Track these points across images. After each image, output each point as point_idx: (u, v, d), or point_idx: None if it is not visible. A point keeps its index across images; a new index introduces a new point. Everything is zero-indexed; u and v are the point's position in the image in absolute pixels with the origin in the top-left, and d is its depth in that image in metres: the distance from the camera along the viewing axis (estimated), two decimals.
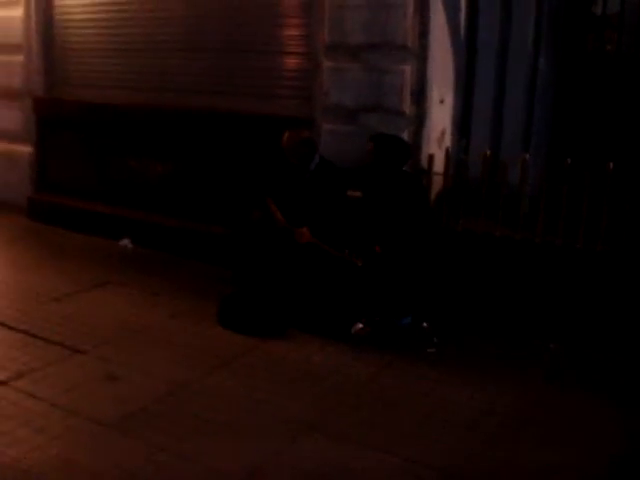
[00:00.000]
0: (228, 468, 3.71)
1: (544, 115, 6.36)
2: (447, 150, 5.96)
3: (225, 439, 3.97)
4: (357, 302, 5.37)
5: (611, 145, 5.97)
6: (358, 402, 4.44)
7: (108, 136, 7.96)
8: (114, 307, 5.87)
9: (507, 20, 6.30)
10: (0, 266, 6.93)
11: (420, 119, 6.05)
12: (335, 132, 6.35)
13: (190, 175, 7.37)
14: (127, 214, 7.76)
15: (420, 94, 6.02)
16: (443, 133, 6.30)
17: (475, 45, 6.43)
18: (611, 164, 5.28)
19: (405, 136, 5.91)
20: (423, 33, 5.93)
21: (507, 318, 5.48)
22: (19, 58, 8.56)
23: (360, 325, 5.32)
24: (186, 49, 7.40)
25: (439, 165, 5.88)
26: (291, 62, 6.81)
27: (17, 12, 8.47)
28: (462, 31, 6.39)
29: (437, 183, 5.93)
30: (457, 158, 6.01)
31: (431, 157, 5.88)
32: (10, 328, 5.34)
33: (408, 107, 6.03)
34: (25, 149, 8.69)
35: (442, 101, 6.24)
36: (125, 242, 7.59)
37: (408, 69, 6.00)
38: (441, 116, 6.26)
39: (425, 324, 5.39)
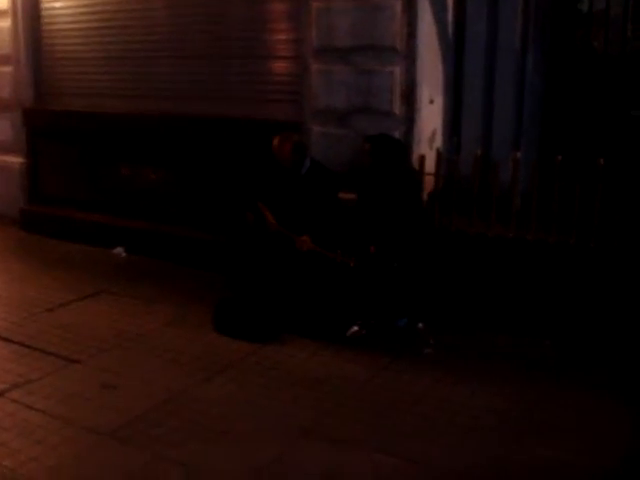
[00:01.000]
0: (230, 473, 3.71)
1: (534, 112, 6.37)
2: (438, 150, 5.97)
3: (225, 445, 3.96)
4: (352, 304, 5.36)
5: (601, 141, 5.98)
6: (357, 404, 4.43)
7: (99, 145, 7.95)
8: (109, 316, 5.85)
9: (494, 19, 6.31)
10: None
11: (410, 120, 6.06)
12: (325, 135, 6.35)
13: (182, 182, 7.37)
14: (120, 222, 7.74)
15: (410, 95, 6.02)
16: (434, 133, 6.31)
17: (463, 45, 6.44)
18: (602, 160, 5.29)
19: (396, 137, 5.90)
20: (411, 34, 5.94)
21: (502, 317, 5.48)
22: (8, 69, 8.54)
23: (356, 327, 5.32)
24: (174, 56, 7.40)
25: (430, 165, 5.89)
26: (280, 66, 6.81)
27: (5, 23, 8.45)
28: (450, 31, 6.42)
29: (429, 183, 5.94)
30: (448, 158, 6.01)
31: (422, 157, 5.89)
32: (5, 339, 5.33)
33: (398, 108, 6.04)
34: (16, 160, 8.66)
35: (432, 101, 6.25)
36: (119, 250, 7.58)
37: (397, 70, 6.01)
38: (431, 116, 6.27)
39: (421, 325, 5.39)
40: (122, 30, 7.72)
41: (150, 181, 7.61)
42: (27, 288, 6.52)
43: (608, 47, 6.30)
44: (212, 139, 7.07)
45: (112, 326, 5.63)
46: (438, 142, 6.32)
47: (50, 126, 8.35)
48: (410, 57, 5.98)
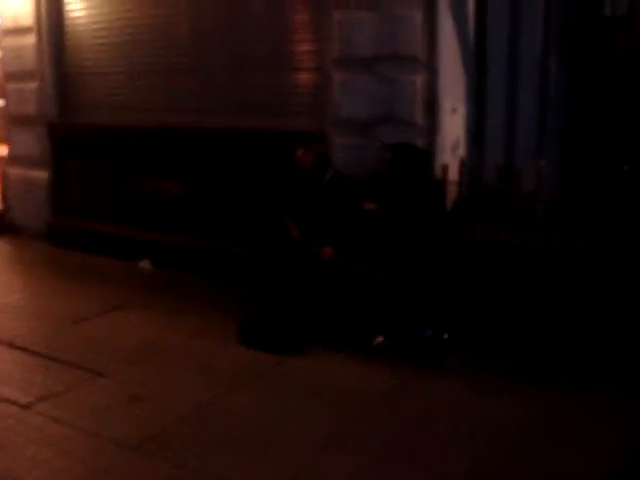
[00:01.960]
0: None
1: (557, 120, 6.34)
2: (461, 159, 5.95)
3: (251, 457, 3.96)
4: (377, 315, 5.34)
5: (625, 147, 5.94)
6: (382, 415, 4.41)
7: (123, 158, 8.01)
8: (134, 328, 5.88)
9: (516, 27, 6.29)
10: (21, 291, 6.98)
11: (433, 129, 6.04)
12: (348, 145, 6.35)
13: (206, 194, 7.40)
14: (145, 235, 7.79)
15: (432, 104, 6.00)
16: (456, 142, 6.28)
17: (485, 53, 6.42)
18: (627, 167, 5.25)
19: (419, 146, 5.88)
20: (432, 44, 5.93)
21: (527, 325, 5.43)
22: (33, 85, 8.64)
23: (380, 338, 5.29)
24: (197, 69, 7.45)
25: (453, 174, 5.88)
26: (302, 77, 6.82)
27: (30, 39, 8.56)
28: (471, 40, 6.39)
29: (452, 192, 5.92)
30: (471, 167, 5.99)
31: (445, 167, 5.88)
32: (31, 352, 5.37)
33: (420, 117, 6.03)
34: (42, 174, 8.75)
35: (454, 110, 6.22)
36: (144, 263, 7.62)
37: (419, 79, 6.00)
38: (454, 125, 6.24)
39: (446, 335, 5.36)
40: (145, 44, 7.79)
41: (174, 194, 7.64)
42: (53, 301, 6.57)
43: (631, 52, 6.27)
44: (235, 151, 7.09)
45: (138, 338, 5.65)
46: (461, 151, 6.29)
47: (75, 140, 8.44)
48: (432, 66, 5.97)
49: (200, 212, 7.45)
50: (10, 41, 8.77)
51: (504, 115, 6.38)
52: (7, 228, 9.08)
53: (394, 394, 4.70)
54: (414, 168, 5.46)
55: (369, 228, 5.60)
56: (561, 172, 5.55)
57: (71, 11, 8.36)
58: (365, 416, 4.40)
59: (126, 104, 8.03)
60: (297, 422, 4.32)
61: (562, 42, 6.26)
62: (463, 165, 5.88)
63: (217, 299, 6.55)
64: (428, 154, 5.84)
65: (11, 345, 5.51)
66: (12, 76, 8.85)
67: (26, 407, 4.49)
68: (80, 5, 8.26)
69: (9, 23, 8.71)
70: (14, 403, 4.53)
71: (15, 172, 9.08)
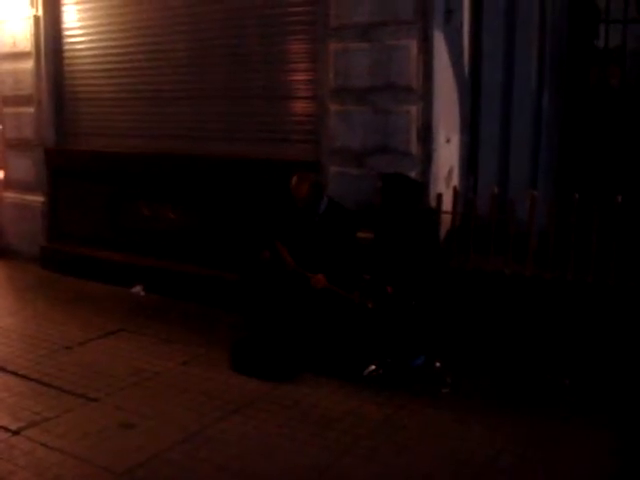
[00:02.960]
0: None
1: (550, 150, 6.38)
2: (455, 189, 5.99)
3: None
4: (369, 344, 5.34)
5: (618, 178, 5.98)
6: (373, 445, 4.38)
7: (119, 184, 8.03)
8: (127, 354, 5.87)
9: (510, 57, 6.35)
10: (13, 315, 6.96)
11: (427, 159, 6.08)
12: (343, 174, 6.39)
13: (201, 221, 7.42)
14: (139, 261, 7.80)
15: (426, 134, 6.05)
16: (450, 172, 6.33)
17: (479, 83, 6.48)
18: (619, 197, 5.28)
19: (413, 176, 5.91)
20: (427, 74, 5.99)
21: (520, 355, 5.44)
22: (30, 109, 8.70)
23: (372, 367, 5.30)
24: (194, 96, 7.51)
25: (447, 204, 5.90)
26: (298, 106, 6.88)
27: (27, 64, 8.62)
28: (466, 70, 6.46)
29: (446, 222, 5.95)
30: (465, 196, 6.02)
31: (439, 196, 5.91)
32: (23, 377, 5.35)
33: (415, 147, 6.07)
34: (37, 199, 8.78)
35: (448, 140, 6.28)
36: (137, 289, 7.62)
37: (414, 110, 6.05)
38: (448, 155, 6.29)
39: (438, 364, 5.36)
40: (142, 71, 7.86)
41: (169, 220, 7.67)
42: (46, 326, 6.55)
43: (625, 83, 6.32)
44: (231, 179, 7.12)
45: (130, 364, 5.63)
46: (455, 181, 6.34)
47: (71, 166, 8.47)
48: (426, 97, 6.02)
49: (195, 239, 7.47)
50: (8, 66, 8.83)
51: (498, 145, 6.43)
52: (1, 252, 9.08)
53: (385, 423, 4.68)
54: (406, 198, 5.48)
55: (363, 257, 5.61)
56: (554, 202, 5.56)
57: (70, 37, 8.44)
58: (357, 446, 4.37)
59: (123, 130, 8.09)
60: (288, 452, 4.29)
61: (556, 72, 6.31)
62: (457, 195, 5.91)
63: (210, 325, 6.55)
64: (421, 184, 5.87)
65: (2, 369, 5.49)
66: (9, 101, 8.91)
67: (16, 433, 4.46)
68: (79, 31, 8.35)
69: (7, 48, 8.78)
70: (4, 428, 4.51)
71: (10, 196, 9.10)
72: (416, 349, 5.36)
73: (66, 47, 8.50)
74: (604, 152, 6.22)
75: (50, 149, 8.64)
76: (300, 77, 6.81)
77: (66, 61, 8.53)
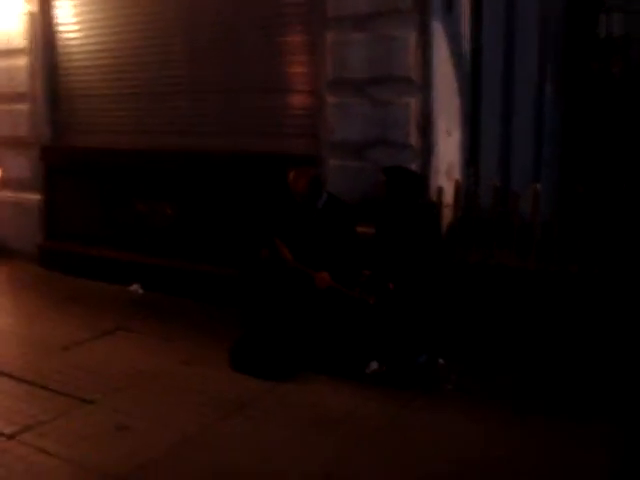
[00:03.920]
0: None
1: (553, 141, 6.28)
2: (456, 182, 5.89)
3: None
4: (371, 341, 5.26)
5: (622, 169, 5.89)
6: (376, 445, 4.30)
7: (116, 181, 7.94)
8: (125, 354, 5.78)
9: (511, 49, 6.25)
10: (9, 315, 6.89)
11: (427, 151, 5.97)
12: (342, 168, 6.28)
13: (199, 217, 7.33)
14: (137, 259, 7.70)
15: (426, 126, 5.95)
16: (451, 165, 6.22)
17: (480, 75, 6.38)
18: (623, 186, 5.20)
19: (413, 169, 5.81)
20: (426, 65, 5.87)
21: (524, 350, 5.35)
22: (25, 107, 8.58)
23: (375, 365, 5.20)
24: (190, 91, 7.40)
25: (448, 197, 5.81)
26: (295, 99, 6.77)
27: (22, 61, 8.51)
28: (466, 61, 6.34)
29: (447, 215, 5.85)
30: (467, 189, 5.93)
31: (440, 189, 5.81)
32: (17, 379, 5.25)
33: (415, 140, 5.96)
34: (34, 197, 8.67)
35: (449, 132, 6.17)
36: (135, 287, 7.53)
37: (413, 101, 5.94)
38: (449, 147, 6.18)
39: (441, 361, 5.27)
40: (138, 66, 7.74)
41: (167, 217, 7.57)
42: (43, 325, 6.46)
43: (628, 73, 6.23)
44: (228, 174, 7.02)
45: (128, 365, 5.54)
46: (456, 174, 6.23)
47: (67, 163, 8.37)
48: (426, 88, 5.91)
49: (192, 235, 7.38)
50: (2, 62, 8.70)
51: (499, 137, 6.34)
52: None
53: (389, 423, 4.58)
54: (408, 191, 5.39)
55: (363, 252, 5.52)
56: (557, 194, 5.47)
57: (64, 32, 8.31)
58: (359, 446, 4.28)
59: (119, 126, 7.97)
60: (289, 454, 4.20)
61: (558, 63, 6.21)
62: (458, 188, 5.81)
63: (209, 323, 6.46)
64: (422, 177, 5.78)
65: None
66: (4, 97, 8.77)
67: (11, 437, 4.37)
68: (73, 27, 8.22)
69: (1, 44, 8.65)
70: None
71: (7, 195, 8.99)
72: (419, 346, 5.26)
73: (61, 43, 8.37)
74: (607, 142, 6.12)
75: (46, 146, 8.53)
76: (298, 70, 6.69)
77: (61, 57, 8.40)
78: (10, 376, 5.31)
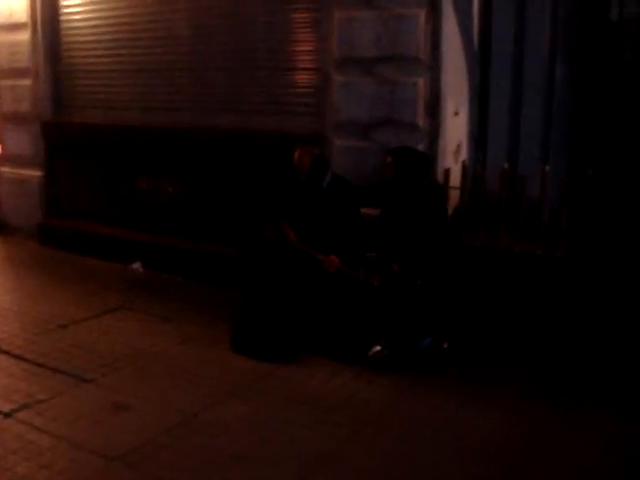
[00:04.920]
0: None
1: (562, 125, 6.16)
2: (463, 164, 5.80)
3: (238, 471, 3.77)
4: (374, 324, 5.17)
5: (632, 153, 5.78)
6: (377, 430, 4.23)
7: (117, 158, 7.85)
8: (124, 333, 5.71)
9: (521, 29, 6.13)
10: (9, 292, 6.81)
11: (435, 132, 5.88)
12: (347, 148, 6.19)
13: (201, 195, 7.24)
14: (138, 237, 7.62)
15: (434, 106, 5.85)
16: (459, 146, 6.12)
17: (489, 55, 6.27)
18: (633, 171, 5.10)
19: (420, 150, 5.72)
20: (435, 44, 5.77)
21: (529, 334, 5.28)
22: (26, 82, 8.49)
23: (378, 347, 5.11)
24: (194, 68, 7.31)
25: (455, 179, 5.72)
26: (301, 78, 6.67)
27: (24, 36, 8.41)
28: (476, 41, 6.24)
29: (454, 198, 5.76)
30: (474, 172, 5.84)
31: (447, 171, 5.72)
32: (16, 357, 5.18)
33: (422, 120, 5.87)
34: (35, 174, 8.59)
35: (457, 113, 6.07)
36: (136, 266, 7.45)
37: (421, 81, 5.84)
38: (456, 129, 6.09)
39: (446, 345, 5.18)
40: (142, 42, 7.65)
41: (168, 195, 7.50)
42: (42, 303, 6.39)
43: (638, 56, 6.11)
44: (232, 152, 6.93)
45: (127, 344, 5.47)
46: (463, 155, 6.14)
47: (69, 139, 8.28)
48: (434, 68, 5.81)
49: (195, 213, 7.30)
50: (4, 37, 8.60)
51: (508, 119, 6.22)
52: None
53: (390, 407, 4.51)
54: (415, 173, 5.30)
55: (368, 233, 5.43)
56: (567, 178, 5.37)
57: (66, 7, 8.20)
58: (360, 431, 4.21)
59: (121, 103, 7.90)
60: (287, 437, 4.13)
61: (568, 45, 6.08)
62: (465, 170, 5.72)
63: (209, 303, 6.39)
64: (430, 158, 5.68)
65: None
66: (5, 73, 8.68)
67: (8, 415, 4.30)
68: (76, 1, 8.11)
69: (3, 19, 8.55)
70: None
71: (7, 171, 8.92)
72: (423, 329, 5.17)
73: (63, 18, 8.27)
74: (618, 126, 6.01)
75: (47, 122, 8.44)
76: (304, 47, 6.58)
77: (63, 32, 8.30)
78: (8, 354, 5.24)
